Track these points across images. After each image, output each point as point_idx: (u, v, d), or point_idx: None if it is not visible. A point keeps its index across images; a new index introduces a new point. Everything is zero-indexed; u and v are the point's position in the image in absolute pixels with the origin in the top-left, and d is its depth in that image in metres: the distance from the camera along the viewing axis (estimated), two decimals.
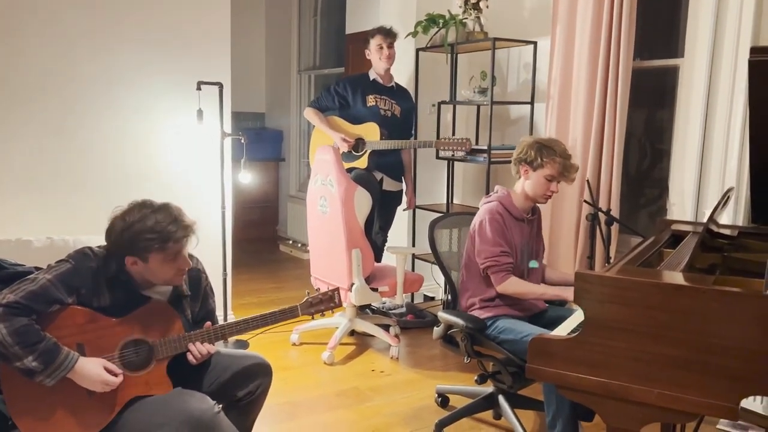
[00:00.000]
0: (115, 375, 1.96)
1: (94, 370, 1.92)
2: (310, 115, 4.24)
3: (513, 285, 2.68)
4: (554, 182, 2.72)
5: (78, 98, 3.44)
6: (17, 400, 1.91)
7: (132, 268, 2.02)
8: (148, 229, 1.97)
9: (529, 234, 2.83)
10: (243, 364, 2.20)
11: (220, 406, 2.05)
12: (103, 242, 2.08)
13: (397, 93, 4.24)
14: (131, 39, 3.55)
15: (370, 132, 4.09)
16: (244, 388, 2.17)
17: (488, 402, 2.91)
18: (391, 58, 4.12)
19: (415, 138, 4.46)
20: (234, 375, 2.17)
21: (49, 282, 1.91)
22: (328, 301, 2.30)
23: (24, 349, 1.81)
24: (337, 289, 2.35)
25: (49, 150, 3.39)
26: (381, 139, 4.05)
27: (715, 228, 2.38)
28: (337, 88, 4.21)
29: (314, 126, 4.28)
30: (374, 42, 4.09)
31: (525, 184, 2.75)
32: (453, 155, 4.42)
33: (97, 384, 1.92)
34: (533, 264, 2.81)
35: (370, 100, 4.14)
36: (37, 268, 2.06)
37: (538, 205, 2.88)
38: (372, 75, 4.19)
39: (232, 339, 3.73)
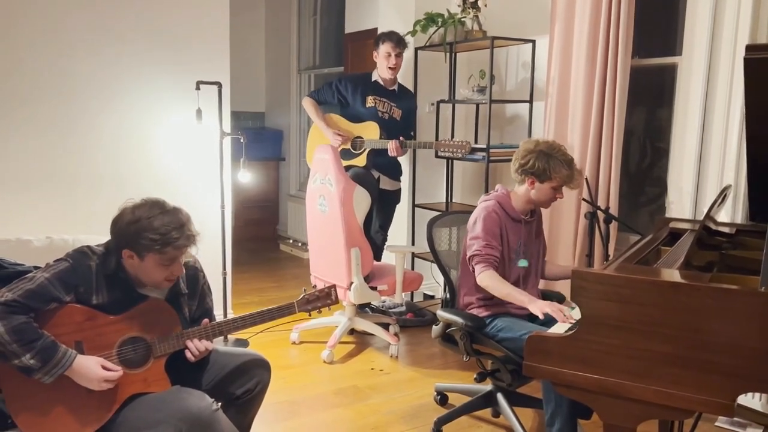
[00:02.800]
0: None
1: (92, 369, 1.92)
2: (308, 105, 4.24)
3: (487, 278, 2.65)
4: (560, 190, 2.76)
5: (77, 97, 3.45)
6: (16, 397, 1.91)
7: (127, 261, 2.03)
8: (153, 229, 1.97)
9: (526, 235, 2.82)
10: (241, 362, 2.21)
11: (219, 403, 2.05)
12: (102, 241, 2.09)
13: (398, 95, 4.23)
14: (130, 38, 3.55)
15: (370, 131, 4.09)
16: (243, 385, 2.18)
17: (487, 400, 2.92)
18: (397, 68, 4.11)
19: (415, 137, 4.46)
20: (232, 372, 2.18)
21: (47, 281, 1.92)
22: (325, 298, 2.31)
23: (22, 346, 1.82)
24: (334, 286, 2.35)
25: (48, 149, 3.39)
26: (380, 139, 4.05)
27: (712, 226, 2.38)
28: (338, 84, 4.21)
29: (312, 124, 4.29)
30: (383, 48, 4.06)
31: (531, 192, 2.76)
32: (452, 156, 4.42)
33: (94, 382, 1.93)
34: (522, 263, 2.80)
35: (370, 101, 4.14)
36: (37, 268, 2.07)
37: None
38: (374, 76, 4.19)
39: (231, 338, 3.74)
